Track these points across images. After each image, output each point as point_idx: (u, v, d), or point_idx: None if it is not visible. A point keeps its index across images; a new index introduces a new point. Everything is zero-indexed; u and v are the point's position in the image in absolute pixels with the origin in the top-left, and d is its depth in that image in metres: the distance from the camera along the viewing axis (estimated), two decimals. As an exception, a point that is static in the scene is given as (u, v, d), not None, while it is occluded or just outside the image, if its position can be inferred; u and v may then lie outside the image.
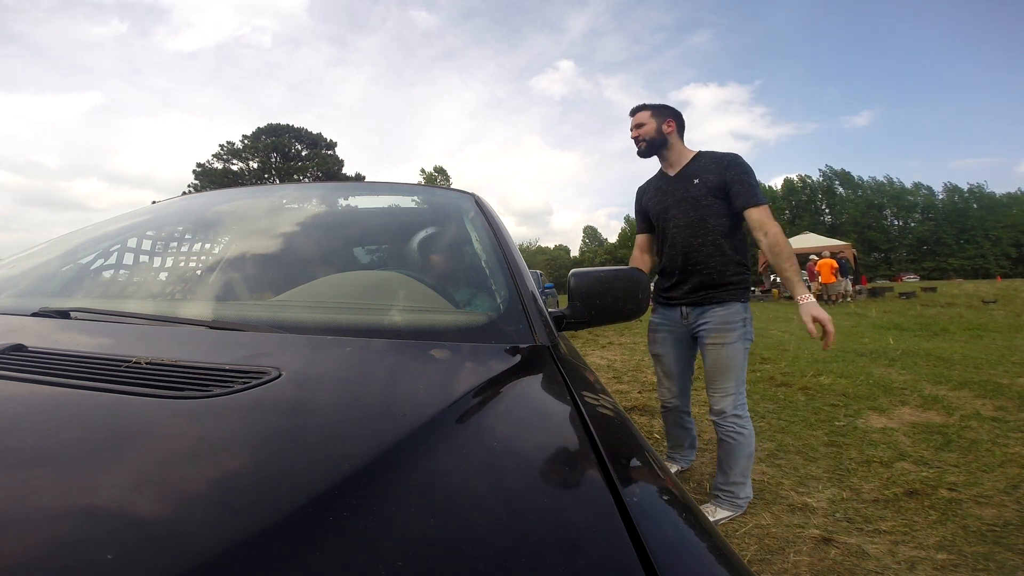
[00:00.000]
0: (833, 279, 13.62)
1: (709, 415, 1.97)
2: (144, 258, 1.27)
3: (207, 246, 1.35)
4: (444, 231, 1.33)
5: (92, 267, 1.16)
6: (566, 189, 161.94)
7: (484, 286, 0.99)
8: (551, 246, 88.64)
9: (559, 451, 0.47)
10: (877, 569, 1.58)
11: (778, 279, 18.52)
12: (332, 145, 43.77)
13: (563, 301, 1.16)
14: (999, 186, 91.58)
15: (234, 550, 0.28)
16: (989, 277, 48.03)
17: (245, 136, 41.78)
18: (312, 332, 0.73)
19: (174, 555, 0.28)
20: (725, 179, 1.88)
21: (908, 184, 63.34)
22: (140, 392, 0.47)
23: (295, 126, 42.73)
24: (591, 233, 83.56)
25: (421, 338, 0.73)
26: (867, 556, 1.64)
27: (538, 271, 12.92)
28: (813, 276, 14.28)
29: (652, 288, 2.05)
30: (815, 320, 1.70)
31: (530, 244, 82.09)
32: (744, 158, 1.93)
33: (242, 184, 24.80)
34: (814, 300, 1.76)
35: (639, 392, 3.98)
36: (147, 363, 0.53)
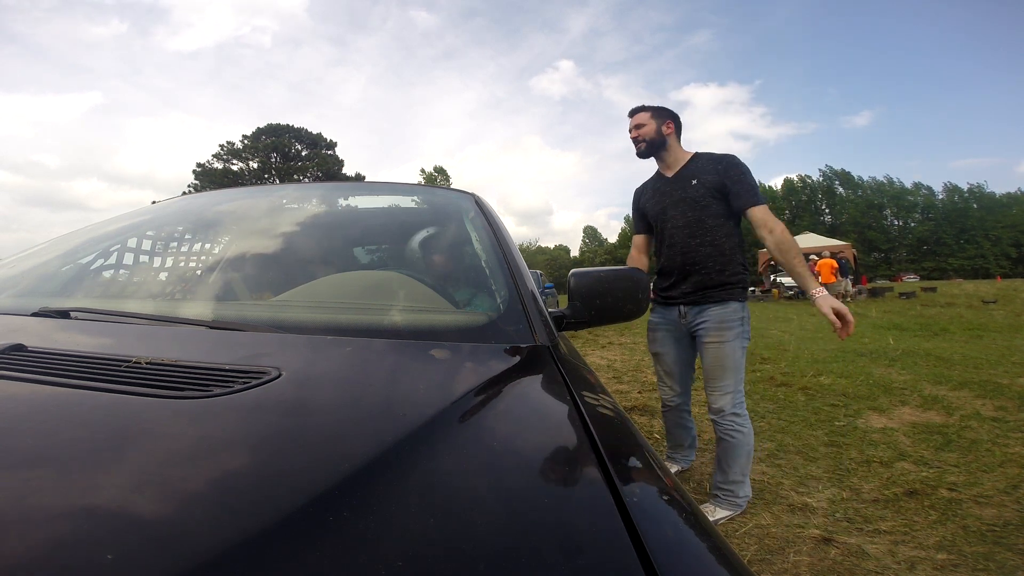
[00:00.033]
0: (833, 279, 13.61)
1: (708, 414, 1.98)
2: (144, 258, 1.27)
3: (207, 246, 1.35)
4: (444, 231, 1.33)
5: (92, 267, 1.16)
6: (566, 189, 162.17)
7: (484, 286, 0.99)
8: (551, 246, 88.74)
9: (559, 451, 0.47)
10: (877, 569, 1.58)
11: (778, 279, 18.62)
12: (332, 145, 43.78)
13: (563, 301, 1.16)
14: (999, 186, 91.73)
15: (234, 550, 0.28)
16: (989, 277, 48.04)
17: (245, 136, 41.82)
18: (312, 332, 0.73)
19: (174, 555, 0.28)
20: (723, 180, 1.90)
21: (908, 184, 63.44)
22: (140, 392, 0.47)
23: (295, 126, 42.78)
24: (591, 233, 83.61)
25: (421, 338, 0.73)
26: (867, 556, 1.64)
27: (538, 271, 12.92)
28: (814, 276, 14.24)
29: (651, 288, 2.06)
30: (835, 311, 1.70)
31: (530, 244, 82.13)
32: (741, 158, 1.95)
33: (242, 184, 24.80)
34: (827, 292, 1.78)
35: (639, 392, 3.98)
36: (147, 363, 0.53)
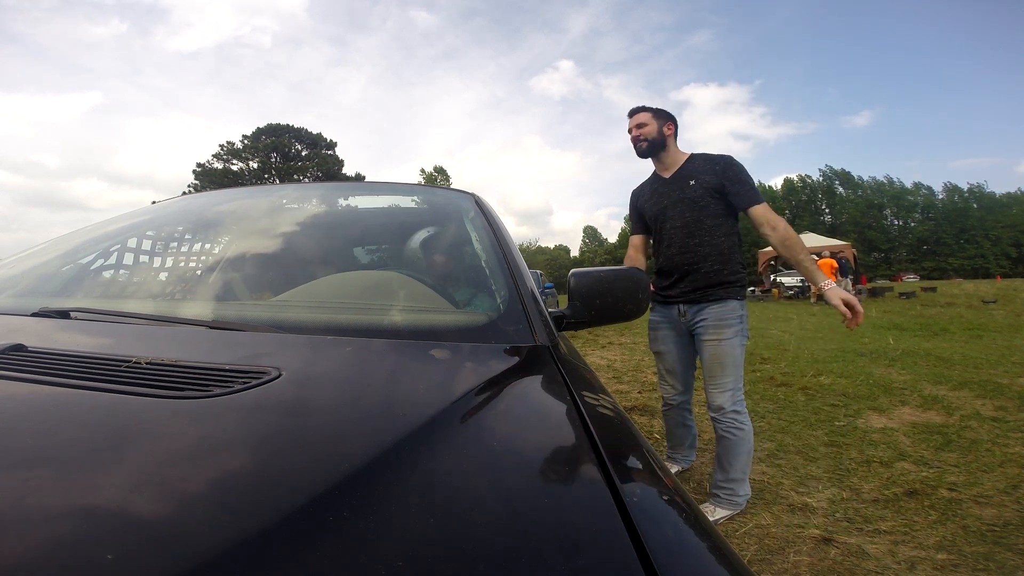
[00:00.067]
0: (833, 279, 13.59)
1: (708, 412, 1.99)
2: (144, 258, 1.27)
3: (207, 246, 1.35)
4: (444, 231, 1.33)
5: (92, 267, 1.16)
6: (566, 189, 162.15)
7: (484, 286, 0.99)
8: (551, 246, 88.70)
9: (559, 451, 0.47)
10: (877, 569, 1.58)
11: (778, 279, 18.62)
12: (332, 145, 43.77)
13: (563, 301, 1.16)
14: (999, 186, 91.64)
15: (234, 550, 0.28)
16: (989, 277, 48.01)
17: (245, 136, 41.82)
18: (312, 332, 0.73)
19: (174, 555, 0.28)
20: (721, 180, 1.92)
21: (908, 184, 63.42)
22: (140, 392, 0.47)
23: (295, 126, 42.78)
24: (591, 233, 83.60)
25: (421, 338, 0.73)
26: (867, 556, 1.64)
27: (538, 271, 12.92)
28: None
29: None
30: (845, 302, 1.72)
31: (530, 244, 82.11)
32: (737, 158, 1.97)
33: (242, 184, 24.79)
34: (835, 284, 1.79)
35: (639, 392, 3.98)
36: (147, 363, 0.53)
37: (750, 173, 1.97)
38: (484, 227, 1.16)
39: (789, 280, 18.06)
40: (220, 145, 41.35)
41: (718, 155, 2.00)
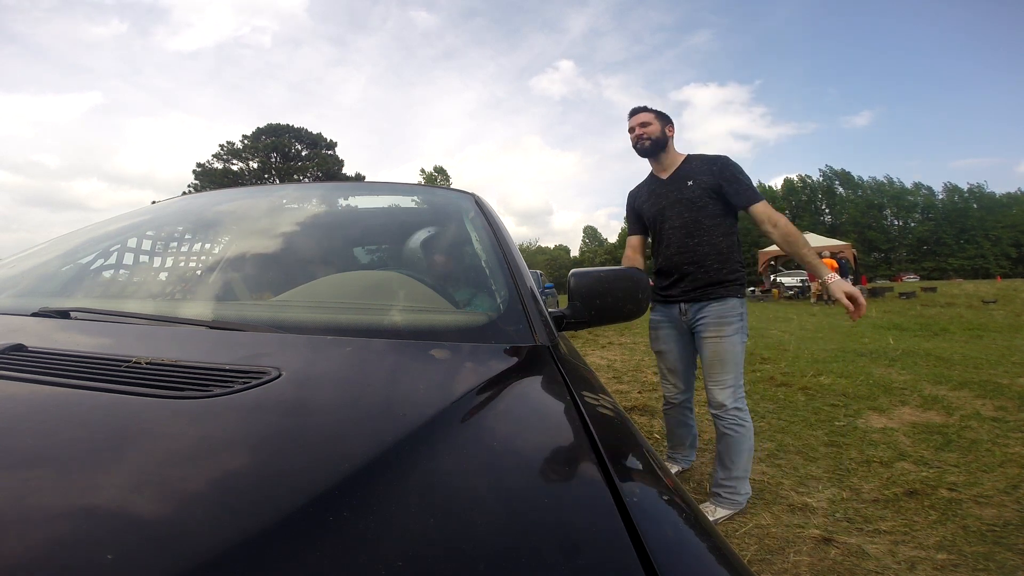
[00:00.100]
0: (833, 278, 13.59)
1: (709, 409, 2.00)
2: (144, 258, 1.27)
3: (207, 246, 1.35)
4: (444, 231, 1.33)
5: (92, 267, 1.16)
6: (566, 189, 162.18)
7: (484, 286, 0.99)
8: (551, 246, 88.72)
9: (559, 451, 0.47)
10: (877, 569, 1.58)
11: (778, 279, 18.62)
12: (332, 145, 43.78)
13: (563, 301, 1.16)
14: (999, 186, 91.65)
15: (234, 550, 0.28)
16: (989, 277, 48.02)
17: (245, 136, 41.84)
18: (312, 332, 0.73)
19: (174, 555, 0.28)
20: (719, 181, 1.95)
21: (908, 184, 63.38)
22: (140, 392, 0.47)
23: (295, 126, 42.79)
24: (591, 233, 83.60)
25: (421, 338, 0.73)
26: (867, 556, 1.64)
27: (538, 271, 12.92)
28: (813, 276, 14.27)
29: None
30: (848, 295, 1.75)
31: (530, 244, 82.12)
32: (732, 158, 2.00)
33: (242, 184, 24.79)
34: (839, 277, 1.82)
35: (639, 392, 3.98)
36: (147, 363, 0.53)
37: (748, 173, 1.99)
38: (484, 227, 1.16)
39: (789, 280, 18.07)
40: (220, 145, 41.41)
41: (714, 156, 2.02)
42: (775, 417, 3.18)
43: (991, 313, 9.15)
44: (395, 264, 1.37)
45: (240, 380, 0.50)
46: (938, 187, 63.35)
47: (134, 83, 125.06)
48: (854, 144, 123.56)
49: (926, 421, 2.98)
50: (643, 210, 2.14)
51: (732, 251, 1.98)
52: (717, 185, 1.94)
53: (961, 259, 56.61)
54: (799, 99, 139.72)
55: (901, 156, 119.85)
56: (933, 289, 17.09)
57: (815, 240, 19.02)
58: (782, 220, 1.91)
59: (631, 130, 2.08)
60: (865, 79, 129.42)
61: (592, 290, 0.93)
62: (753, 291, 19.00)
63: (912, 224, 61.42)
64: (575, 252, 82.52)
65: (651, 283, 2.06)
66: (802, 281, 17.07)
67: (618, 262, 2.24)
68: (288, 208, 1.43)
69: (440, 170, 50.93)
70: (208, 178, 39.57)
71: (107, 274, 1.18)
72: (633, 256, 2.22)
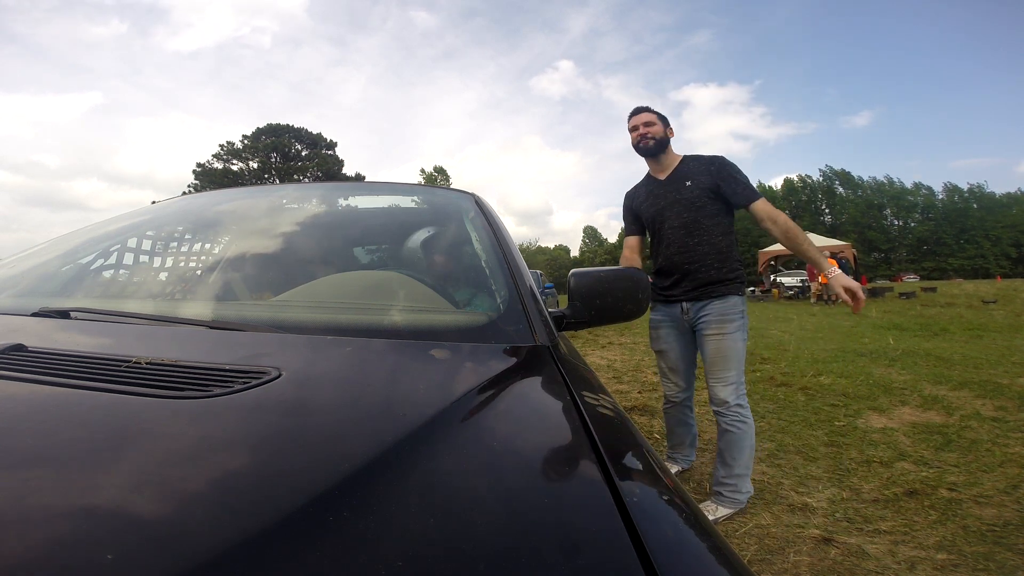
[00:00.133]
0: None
1: (711, 406, 2.01)
2: (144, 258, 1.27)
3: (207, 246, 1.35)
4: (444, 231, 1.33)
5: (92, 267, 1.16)
6: (566, 189, 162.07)
7: (484, 286, 0.99)
8: (551, 246, 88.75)
9: (559, 451, 0.47)
10: (877, 569, 1.58)
11: (778, 279, 18.62)
12: (332, 145, 43.80)
13: (563, 301, 1.16)
14: (999, 186, 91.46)
15: (234, 550, 0.28)
16: (989, 277, 48.00)
17: (245, 136, 41.86)
18: (312, 332, 0.73)
19: (174, 555, 0.28)
20: (717, 181, 1.98)
21: (908, 184, 63.31)
22: (140, 392, 0.47)
23: (295, 126, 42.82)
24: (591, 233, 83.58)
25: (421, 338, 0.73)
26: (867, 556, 1.64)
27: (538, 271, 12.93)
28: (813, 276, 14.29)
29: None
30: (847, 289, 1.79)
31: (530, 244, 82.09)
32: (728, 158, 2.04)
33: (242, 184, 24.80)
34: (840, 271, 1.86)
35: (639, 392, 3.98)
36: (147, 363, 0.53)
37: (748, 173, 2.02)
38: (484, 227, 1.16)
39: (789, 280, 18.07)
40: (220, 145, 41.44)
41: (710, 156, 2.06)
42: (775, 417, 3.18)
43: (991, 313, 9.15)
44: (395, 264, 1.37)
45: (240, 380, 0.50)
46: (938, 187, 63.40)
47: (134, 83, 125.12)
48: (854, 144, 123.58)
49: (926, 421, 2.98)
50: (642, 211, 2.16)
51: (731, 250, 2.01)
52: (715, 185, 1.98)
53: (961, 259, 56.60)
54: (799, 99, 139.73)
55: (901, 156, 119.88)
56: (933, 289, 17.10)
57: (815, 240, 18.97)
58: (781, 216, 1.95)
59: (634, 129, 2.09)
60: (865, 79, 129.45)
61: (592, 290, 0.93)
62: (753, 291, 19.01)
63: (912, 224, 61.41)
64: (575, 252, 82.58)
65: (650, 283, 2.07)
66: (802, 281, 17.08)
67: (618, 262, 2.24)
68: (288, 208, 1.43)
69: (440, 170, 50.95)
70: (208, 178, 39.58)
71: (107, 274, 1.18)
72: (631, 256, 2.24)
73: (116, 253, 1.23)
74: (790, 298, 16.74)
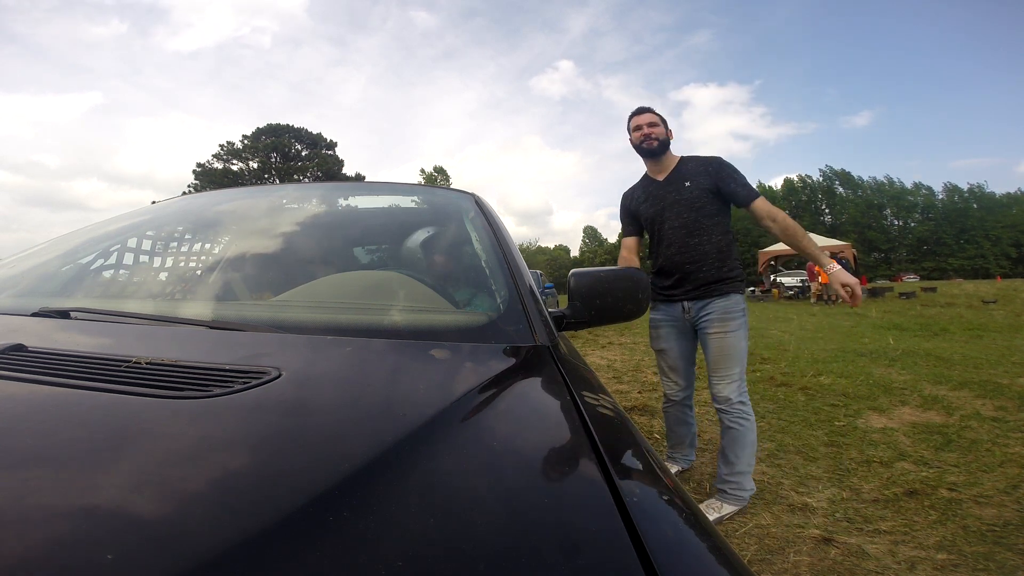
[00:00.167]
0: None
1: (714, 404, 2.02)
2: (144, 258, 1.27)
3: (207, 246, 1.35)
4: (444, 231, 1.33)
5: (92, 267, 1.16)
6: (566, 189, 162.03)
7: (484, 286, 0.99)
8: (551, 246, 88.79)
9: (559, 451, 0.47)
10: (877, 569, 1.58)
11: (778, 279, 18.62)
12: (332, 145, 43.80)
13: (563, 301, 1.16)
14: (999, 186, 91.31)
15: (234, 550, 0.28)
16: (989, 277, 47.99)
17: (245, 136, 41.87)
18: (312, 332, 0.73)
19: (174, 555, 0.28)
20: (716, 182, 2.01)
21: (908, 184, 63.22)
22: (140, 392, 0.47)
23: (295, 126, 42.83)
24: (591, 233, 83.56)
25: (421, 338, 0.73)
26: (867, 556, 1.64)
27: (538, 271, 12.94)
28: (813, 276, 14.30)
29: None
30: (844, 285, 1.85)
31: (530, 244, 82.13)
32: (725, 158, 2.08)
33: (242, 184, 24.80)
34: (840, 267, 1.91)
35: (639, 392, 3.98)
36: (147, 363, 0.53)
37: (748, 173, 2.04)
38: (484, 227, 1.16)
39: (789, 280, 18.08)
40: (220, 145, 41.45)
41: (708, 157, 2.09)
42: (775, 417, 3.18)
43: (991, 313, 9.15)
44: (395, 264, 1.37)
45: (240, 380, 0.50)
46: (938, 187, 63.29)
47: (134, 83, 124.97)
48: (854, 144, 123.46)
49: (926, 421, 2.98)
50: (641, 211, 2.17)
51: (731, 248, 2.04)
52: (715, 186, 2.01)
53: (961, 259, 56.58)
54: (799, 99, 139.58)
55: (901, 156, 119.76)
56: (933, 289, 17.10)
57: (815, 240, 19.00)
58: (780, 214, 1.99)
59: (637, 128, 2.11)
60: (865, 79, 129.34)
61: (592, 290, 0.93)
62: (753, 291, 19.01)
63: (912, 224, 61.37)
64: (575, 252, 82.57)
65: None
66: (802, 281, 17.08)
67: (617, 262, 2.25)
68: (288, 208, 1.43)
69: (440, 170, 50.96)
70: (208, 178, 39.59)
71: (107, 274, 1.18)
72: (629, 257, 2.26)
73: (116, 253, 1.23)
74: (790, 298, 16.74)
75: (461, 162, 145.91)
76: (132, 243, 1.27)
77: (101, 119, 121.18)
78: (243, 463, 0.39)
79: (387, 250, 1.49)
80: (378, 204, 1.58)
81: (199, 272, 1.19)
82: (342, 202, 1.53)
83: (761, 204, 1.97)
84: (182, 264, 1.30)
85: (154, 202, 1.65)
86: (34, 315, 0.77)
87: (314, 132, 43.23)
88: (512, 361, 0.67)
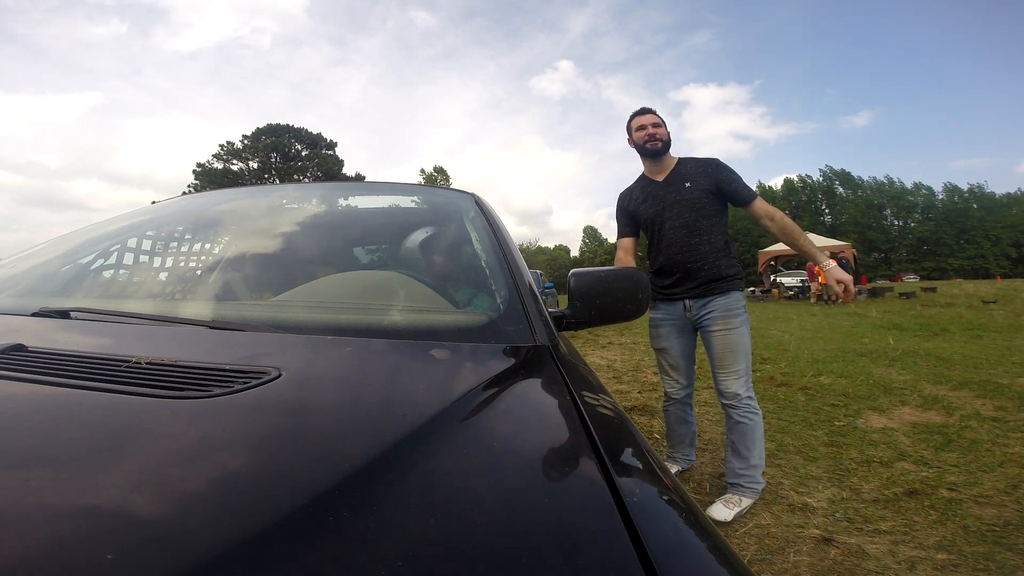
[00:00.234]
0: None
1: (721, 400, 2.04)
2: (144, 258, 1.27)
3: (207, 246, 1.35)
4: (444, 231, 1.33)
5: (92, 267, 1.16)
6: (566, 189, 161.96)
7: (484, 286, 0.99)
8: (551, 246, 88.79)
9: (559, 451, 0.47)
10: (877, 569, 1.58)
11: (778, 279, 18.61)
12: (332, 145, 43.80)
13: (563, 301, 1.16)
14: (999, 186, 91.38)
15: (234, 550, 0.28)
16: (989, 277, 47.97)
17: (245, 136, 41.86)
18: (312, 332, 0.73)
19: (174, 555, 0.28)
20: (717, 181, 2.04)
21: (908, 184, 63.21)
22: (140, 392, 0.47)
23: (295, 126, 42.83)
24: (591, 233, 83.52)
25: (421, 338, 0.73)
26: (867, 556, 1.64)
27: (538, 271, 12.94)
28: (813, 276, 14.30)
29: None
30: (839, 282, 1.91)
31: (530, 244, 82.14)
32: (722, 159, 2.13)
33: (242, 184, 24.80)
34: (836, 265, 1.97)
35: (639, 392, 3.98)
36: (147, 363, 0.53)
37: (748, 173, 2.07)
38: (484, 227, 1.16)
39: (789, 280, 18.08)
40: (220, 145, 41.45)
41: (706, 159, 2.13)
42: (775, 417, 3.18)
43: (991, 313, 9.15)
44: (395, 264, 1.37)
45: (240, 380, 0.50)
46: (938, 187, 63.27)
47: (134, 83, 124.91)
48: (854, 144, 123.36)
49: (926, 421, 2.98)
50: (640, 212, 2.18)
51: (729, 248, 2.08)
52: (715, 186, 2.04)
53: (961, 259, 56.57)
54: (799, 99, 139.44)
55: (901, 156, 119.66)
56: (933, 289, 17.09)
57: (815, 240, 18.99)
58: (778, 214, 2.05)
59: (641, 128, 2.12)
60: (865, 79, 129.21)
61: (592, 290, 0.93)
62: (753, 291, 19.02)
63: (912, 224, 61.35)
64: (575, 252, 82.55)
65: None
66: (802, 281, 17.08)
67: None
68: (288, 208, 1.43)
69: (440, 170, 50.95)
70: (208, 178, 39.59)
71: (107, 274, 1.18)
72: (625, 258, 2.26)
73: (116, 253, 1.23)
74: (790, 298, 16.74)
75: (461, 162, 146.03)
76: (132, 243, 1.27)
77: (101, 119, 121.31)
78: (243, 463, 0.39)
79: (387, 250, 1.49)
80: (378, 204, 1.58)
81: (199, 272, 1.19)
82: (342, 202, 1.53)
83: (760, 204, 2.02)
84: (182, 264, 1.30)
85: (154, 202, 1.65)
86: (34, 315, 0.77)
87: (314, 132, 43.28)
88: (512, 361, 0.67)
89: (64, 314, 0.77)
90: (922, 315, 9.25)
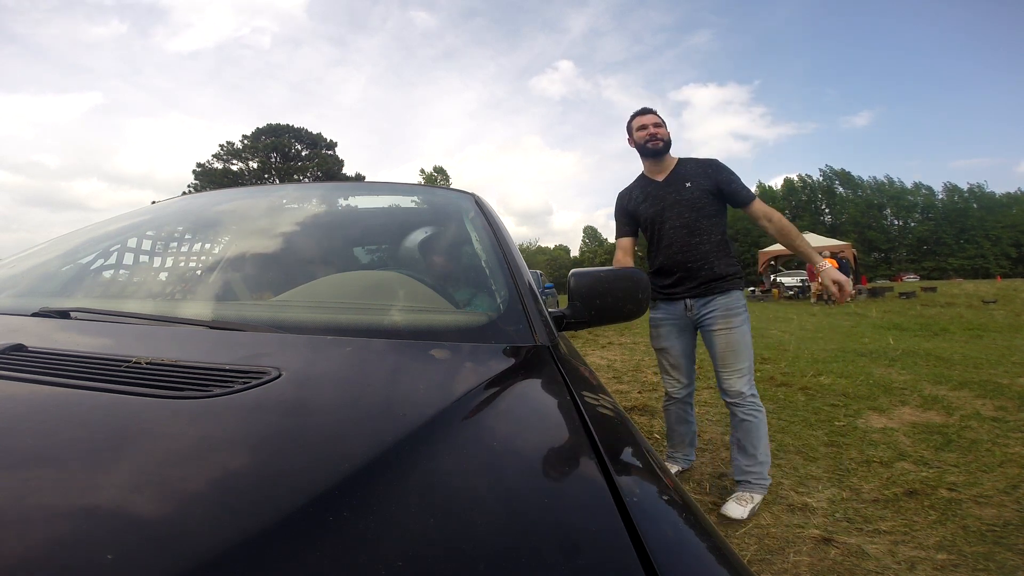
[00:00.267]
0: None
1: (725, 399, 2.05)
2: (144, 258, 1.27)
3: (207, 246, 1.35)
4: (444, 231, 1.33)
5: (92, 267, 1.16)
6: (566, 189, 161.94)
7: (484, 286, 0.99)
8: (551, 246, 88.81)
9: (559, 451, 0.47)
10: (877, 569, 1.58)
11: (778, 279, 18.62)
12: (332, 145, 43.80)
13: (563, 301, 1.16)
14: (999, 186, 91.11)
15: (234, 550, 0.28)
16: (989, 277, 47.94)
17: (245, 136, 41.86)
18: (312, 332, 0.73)
19: (174, 555, 0.28)
20: (717, 182, 2.06)
21: (908, 184, 63.24)
22: (140, 392, 0.47)
23: (295, 126, 42.83)
24: (591, 233, 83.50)
25: (421, 338, 0.73)
26: (867, 556, 1.64)
27: (538, 271, 12.95)
28: (813, 276, 14.30)
29: None
30: (834, 282, 1.93)
31: (530, 244, 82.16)
32: (722, 160, 2.16)
33: (242, 184, 24.81)
34: (831, 266, 1.99)
35: (639, 392, 3.98)
36: (147, 363, 0.53)
37: (748, 173, 2.09)
38: (484, 227, 1.16)
39: (789, 280, 18.09)
40: (220, 145, 41.47)
41: (705, 159, 2.15)
42: (775, 417, 3.18)
43: (991, 313, 9.15)
44: (395, 264, 1.37)
45: (240, 380, 0.50)
46: (938, 187, 63.28)
47: (134, 83, 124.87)
48: (854, 144, 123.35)
49: (926, 421, 2.98)
50: (640, 211, 2.18)
51: (728, 247, 2.10)
52: (715, 187, 2.06)
53: (961, 259, 56.56)
54: (799, 99, 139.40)
55: (901, 156, 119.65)
56: (933, 289, 17.09)
57: (815, 240, 19.03)
58: (776, 215, 2.08)
59: (642, 128, 2.13)
60: (865, 79, 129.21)
61: (592, 290, 0.93)
62: (753, 291, 19.02)
63: (912, 224, 61.35)
64: (575, 252, 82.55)
65: None
66: (802, 281, 17.09)
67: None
68: (288, 208, 1.43)
69: (440, 170, 50.96)
70: (208, 178, 39.60)
71: (107, 274, 1.18)
72: (624, 258, 2.27)
73: (116, 253, 1.23)
74: (790, 298, 16.75)
75: (461, 162, 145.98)
76: (132, 243, 1.27)
77: (101, 119, 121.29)
78: (243, 463, 0.39)
79: (387, 250, 1.49)
80: (378, 204, 1.58)
81: (199, 272, 1.19)
82: (342, 202, 1.53)
83: (758, 205, 2.05)
84: (182, 264, 1.30)
85: (154, 202, 1.65)
86: (34, 315, 0.77)
87: (314, 132, 43.29)
88: (512, 361, 0.67)
89: (64, 314, 0.77)
90: (922, 315, 9.25)
